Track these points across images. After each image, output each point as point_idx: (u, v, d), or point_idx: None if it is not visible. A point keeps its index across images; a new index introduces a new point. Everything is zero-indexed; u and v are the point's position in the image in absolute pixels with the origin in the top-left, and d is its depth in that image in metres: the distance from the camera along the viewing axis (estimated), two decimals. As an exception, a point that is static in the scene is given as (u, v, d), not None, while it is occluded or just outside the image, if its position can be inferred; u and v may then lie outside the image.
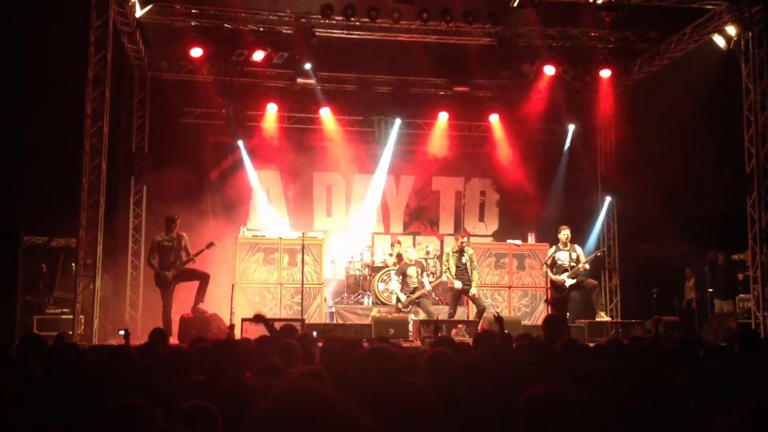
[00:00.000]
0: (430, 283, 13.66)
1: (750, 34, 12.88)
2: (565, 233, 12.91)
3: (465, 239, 13.54)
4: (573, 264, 12.80)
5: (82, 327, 11.56)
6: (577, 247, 13.16)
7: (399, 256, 15.08)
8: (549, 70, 15.28)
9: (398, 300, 13.38)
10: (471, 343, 7.44)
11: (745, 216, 12.86)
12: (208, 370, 4.49)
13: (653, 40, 15.20)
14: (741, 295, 13.82)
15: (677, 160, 15.60)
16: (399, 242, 16.19)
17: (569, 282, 12.78)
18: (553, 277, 12.91)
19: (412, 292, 13.22)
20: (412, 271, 13.36)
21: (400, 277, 13.42)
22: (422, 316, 12.96)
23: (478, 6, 14.22)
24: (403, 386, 3.67)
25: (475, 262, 13.22)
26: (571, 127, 17.02)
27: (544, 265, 13.36)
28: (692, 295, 15.60)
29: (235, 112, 15.72)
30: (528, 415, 2.27)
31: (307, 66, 14.97)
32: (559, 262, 12.85)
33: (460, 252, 13.12)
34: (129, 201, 15.41)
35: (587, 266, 13.01)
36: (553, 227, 14.17)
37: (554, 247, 13.07)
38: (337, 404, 1.96)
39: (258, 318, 8.49)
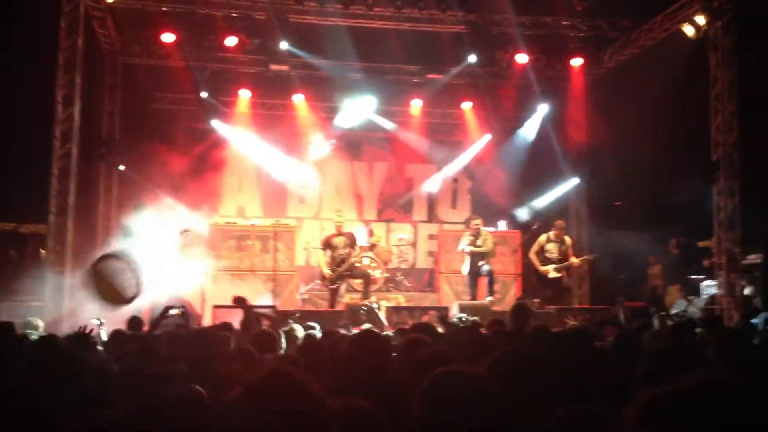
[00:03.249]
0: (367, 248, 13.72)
1: (719, 24, 13.04)
2: (559, 225, 13.18)
3: (479, 221, 13.58)
4: (561, 258, 13.01)
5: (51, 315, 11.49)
6: (567, 239, 13.35)
7: (372, 246, 15.10)
8: (522, 58, 15.39)
9: (323, 277, 13.23)
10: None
11: (712, 203, 13.08)
12: (187, 357, 4.53)
13: (624, 28, 15.35)
14: (707, 282, 14.09)
15: (647, 148, 15.79)
16: (372, 233, 16.23)
17: (553, 274, 12.99)
18: (541, 267, 13.09)
19: (338, 265, 13.04)
20: (339, 241, 13.09)
21: (327, 252, 13.18)
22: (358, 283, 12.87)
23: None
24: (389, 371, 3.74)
25: (489, 242, 13.32)
26: (543, 116, 17.15)
27: (532, 253, 13.46)
28: (657, 281, 15.88)
29: (208, 97, 15.66)
30: (432, 393, 2.38)
31: (284, 46, 14.68)
32: (547, 253, 13.05)
33: (476, 236, 13.18)
34: (99, 188, 15.28)
35: (576, 261, 13.28)
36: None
37: (546, 236, 13.25)
38: (311, 389, 2.02)
39: (238, 301, 8.50)
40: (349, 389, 3.01)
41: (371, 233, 16.23)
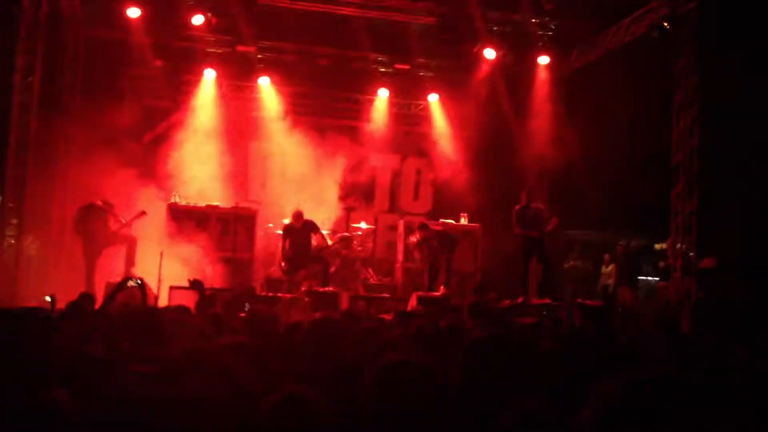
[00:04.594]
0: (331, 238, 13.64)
1: (684, 30, 13.22)
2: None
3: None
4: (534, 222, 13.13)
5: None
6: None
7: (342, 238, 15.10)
8: (489, 53, 15.45)
9: (282, 262, 13.20)
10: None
11: (670, 206, 13.28)
12: (132, 337, 4.46)
13: (591, 30, 15.49)
14: (661, 284, 14.35)
15: (609, 149, 15.98)
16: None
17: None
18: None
19: (298, 251, 12.98)
20: (298, 227, 13.15)
21: (287, 237, 13.15)
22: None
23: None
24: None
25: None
26: (508, 111, 17.23)
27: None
28: (609, 280, 16.17)
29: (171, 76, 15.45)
30: (377, 381, 2.41)
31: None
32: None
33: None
34: (57, 160, 14.98)
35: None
36: (486, 209, 14.35)
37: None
38: (247, 382, 2.01)
39: (194, 284, 8.43)
40: (303, 375, 2.99)
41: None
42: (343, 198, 17.48)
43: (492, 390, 2.74)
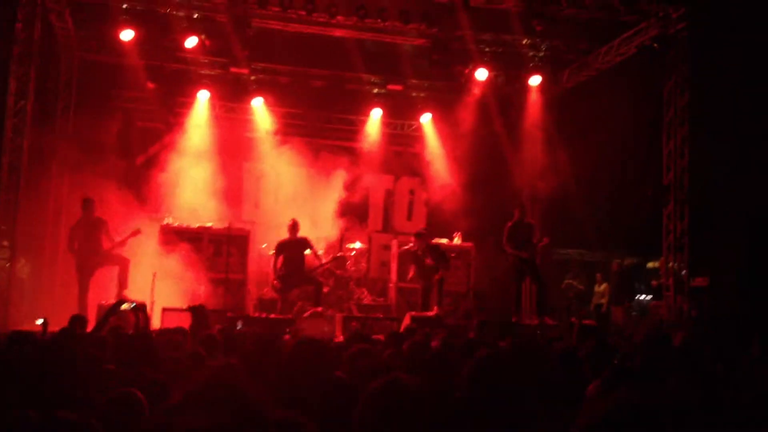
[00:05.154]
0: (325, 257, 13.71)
1: (674, 51, 13.35)
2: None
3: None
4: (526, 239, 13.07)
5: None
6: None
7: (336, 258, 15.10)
8: (481, 74, 15.54)
9: (274, 282, 13.19)
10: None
11: (662, 225, 13.34)
12: (123, 360, 4.46)
13: (582, 50, 15.62)
14: (654, 302, 14.37)
15: (601, 168, 16.07)
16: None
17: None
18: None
19: (291, 270, 12.99)
20: (291, 246, 13.17)
21: (280, 256, 13.15)
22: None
23: (415, 7, 14.34)
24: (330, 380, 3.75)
25: None
26: (500, 131, 17.31)
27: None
28: (602, 300, 16.19)
29: (164, 98, 15.50)
30: (371, 403, 2.42)
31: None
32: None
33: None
34: (50, 183, 14.98)
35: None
36: (478, 229, 14.37)
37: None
38: (250, 397, 2.01)
39: (194, 310, 8.41)
40: (290, 398, 3.00)
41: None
42: (336, 218, 17.49)
43: (492, 409, 2.75)
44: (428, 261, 13.47)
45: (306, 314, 12.63)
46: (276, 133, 16.87)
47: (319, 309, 13.00)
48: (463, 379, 2.80)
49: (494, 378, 2.78)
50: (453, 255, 14.98)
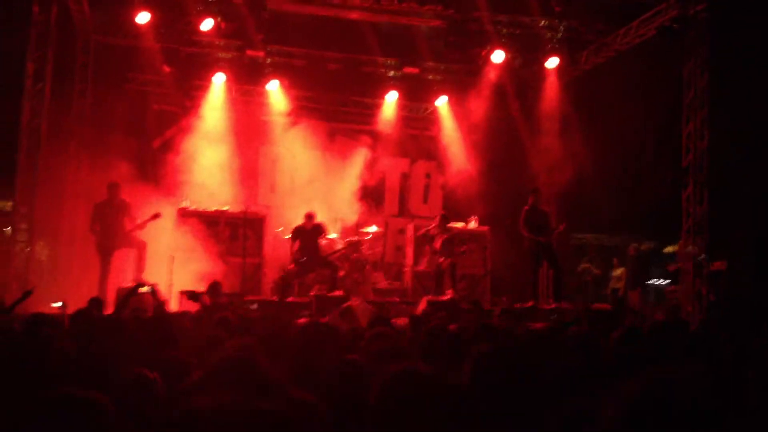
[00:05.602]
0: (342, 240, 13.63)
1: (693, 32, 13.19)
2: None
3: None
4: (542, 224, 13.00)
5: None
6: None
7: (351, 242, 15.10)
8: (498, 56, 15.41)
9: (291, 266, 13.20)
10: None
11: (680, 209, 13.23)
12: (142, 342, 4.48)
13: (601, 31, 15.46)
14: (671, 287, 14.29)
15: (619, 151, 15.96)
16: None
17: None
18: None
19: (307, 255, 12.97)
20: (308, 230, 13.15)
21: (296, 241, 13.13)
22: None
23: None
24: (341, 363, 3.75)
25: None
26: (517, 114, 17.21)
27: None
28: (618, 284, 16.12)
29: (180, 81, 15.51)
30: (385, 390, 2.42)
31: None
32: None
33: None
34: (68, 166, 15.06)
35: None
36: (496, 212, 14.31)
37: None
38: (270, 376, 2.01)
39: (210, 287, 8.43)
40: (299, 379, 3.00)
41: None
42: (352, 202, 17.49)
43: (500, 399, 2.74)
44: (436, 245, 13.47)
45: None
46: (291, 116, 16.84)
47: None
48: (465, 374, 2.80)
49: (495, 374, 2.77)
50: (466, 240, 14.97)
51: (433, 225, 14.21)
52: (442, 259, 13.43)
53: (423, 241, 14.93)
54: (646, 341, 5.78)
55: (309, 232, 13.23)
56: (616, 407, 1.62)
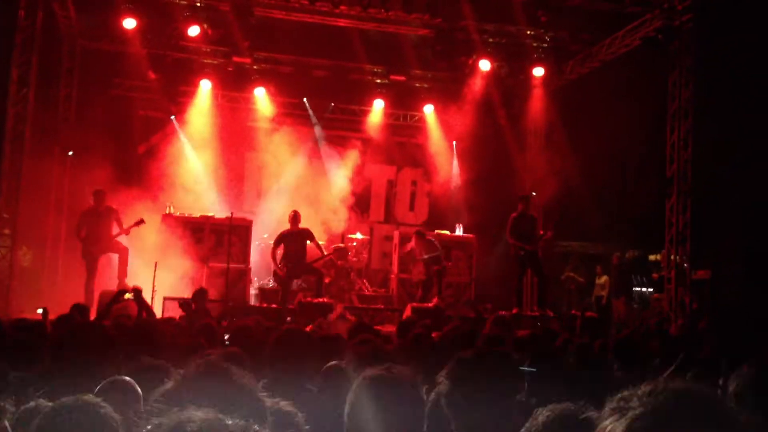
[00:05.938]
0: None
1: (678, 42, 13.28)
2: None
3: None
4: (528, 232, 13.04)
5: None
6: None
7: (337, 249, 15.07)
8: (484, 65, 15.47)
9: (275, 273, 13.16)
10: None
11: (664, 218, 13.31)
12: (125, 348, 4.44)
13: (586, 41, 15.55)
14: (656, 295, 14.37)
15: (604, 160, 16.03)
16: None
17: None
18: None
19: (292, 261, 12.88)
20: (293, 237, 13.08)
21: (281, 247, 13.02)
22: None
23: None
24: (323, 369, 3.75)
25: None
26: (503, 122, 17.26)
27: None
28: (602, 292, 16.19)
29: (166, 87, 15.47)
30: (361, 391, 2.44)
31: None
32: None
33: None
34: (52, 171, 14.97)
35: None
36: (480, 221, 14.33)
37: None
38: (246, 385, 2.01)
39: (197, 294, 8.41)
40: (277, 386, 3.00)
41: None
42: (338, 208, 17.46)
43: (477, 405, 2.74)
44: (420, 266, 13.63)
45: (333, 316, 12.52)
46: (278, 122, 16.82)
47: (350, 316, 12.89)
48: (443, 378, 2.81)
49: (469, 380, 2.78)
50: (452, 248, 15.03)
51: (410, 246, 14.29)
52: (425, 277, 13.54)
53: (408, 258, 15.01)
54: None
55: (294, 236, 13.12)
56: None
